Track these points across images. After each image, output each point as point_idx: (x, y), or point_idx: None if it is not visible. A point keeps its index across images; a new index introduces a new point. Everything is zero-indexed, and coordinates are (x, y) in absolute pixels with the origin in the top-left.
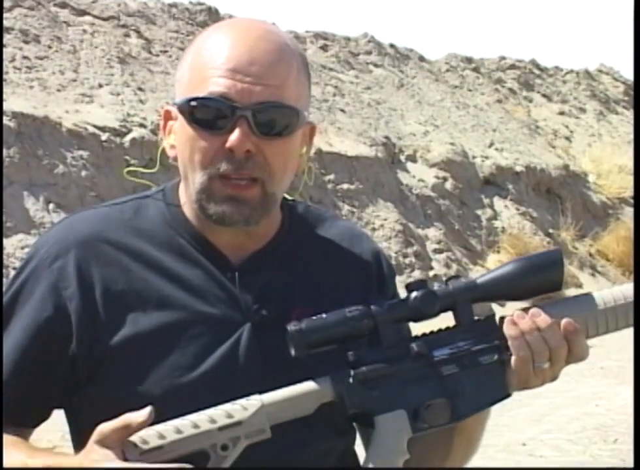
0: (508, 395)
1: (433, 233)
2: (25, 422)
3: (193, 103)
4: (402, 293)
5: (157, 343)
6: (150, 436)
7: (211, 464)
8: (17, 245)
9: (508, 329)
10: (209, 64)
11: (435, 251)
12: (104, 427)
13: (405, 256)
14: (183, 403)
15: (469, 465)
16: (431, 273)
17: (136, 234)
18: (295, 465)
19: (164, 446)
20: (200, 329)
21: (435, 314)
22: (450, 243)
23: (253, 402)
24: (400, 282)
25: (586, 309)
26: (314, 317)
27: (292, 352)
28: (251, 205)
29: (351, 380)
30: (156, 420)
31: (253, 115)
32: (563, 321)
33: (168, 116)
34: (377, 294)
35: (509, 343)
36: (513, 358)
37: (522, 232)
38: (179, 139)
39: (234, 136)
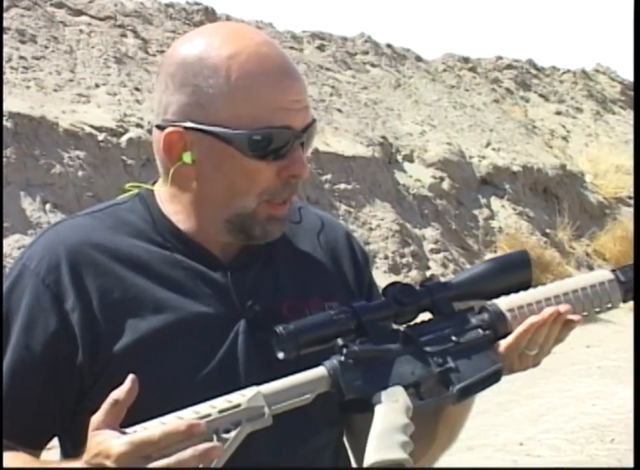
0: (500, 370)
1: (430, 233)
2: (37, 441)
3: (256, 137)
4: None
5: (157, 347)
6: (151, 424)
7: None
8: (14, 246)
9: (516, 318)
10: (264, 95)
11: (432, 251)
12: (96, 416)
13: (402, 256)
14: (189, 402)
15: (469, 464)
16: (428, 273)
17: (123, 241)
18: (297, 460)
19: None
20: (197, 330)
21: (416, 312)
22: (447, 243)
23: (250, 389)
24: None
25: (557, 292)
26: (301, 319)
27: (281, 354)
28: (286, 219)
29: (342, 359)
30: None
31: (306, 139)
32: (566, 310)
33: (178, 137)
34: (355, 278)
35: (514, 330)
36: (504, 343)
37: (519, 232)
38: (220, 167)
39: (297, 163)
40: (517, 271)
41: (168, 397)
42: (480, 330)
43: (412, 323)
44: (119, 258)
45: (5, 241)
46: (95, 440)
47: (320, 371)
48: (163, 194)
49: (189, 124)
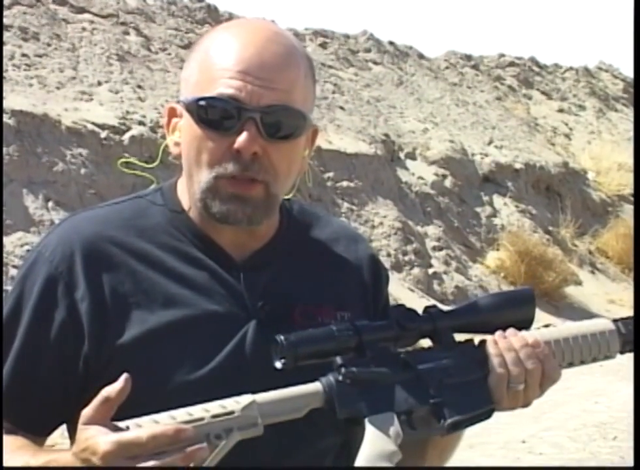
0: (493, 409)
1: (433, 230)
2: (41, 429)
3: (202, 103)
4: (400, 291)
5: (164, 342)
6: (144, 421)
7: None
8: (16, 243)
9: (489, 347)
10: (218, 65)
11: (435, 249)
12: (86, 410)
13: (405, 253)
14: (191, 399)
15: (471, 462)
16: (430, 271)
17: (138, 234)
18: (298, 463)
19: None
20: (206, 327)
21: (416, 337)
22: (450, 240)
23: (246, 397)
24: (399, 279)
25: (557, 336)
26: (301, 331)
27: (279, 363)
28: (254, 204)
29: (340, 378)
30: None
31: (261, 117)
32: (535, 342)
33: (172, 113)
34: (373, 296)
35: (489, 360)
36: (490, 376)
37: (521, 230)
38: (185, 137)
39: (242, 138)
40: (521, 308)
41: (172, 391)
42: (477, 367)
43: (411, 349)
44: (133, 252)
45: (7, 239)
46: (84, 435)
47: (316, 386)
48: (180, 185)
49: (175, 101)
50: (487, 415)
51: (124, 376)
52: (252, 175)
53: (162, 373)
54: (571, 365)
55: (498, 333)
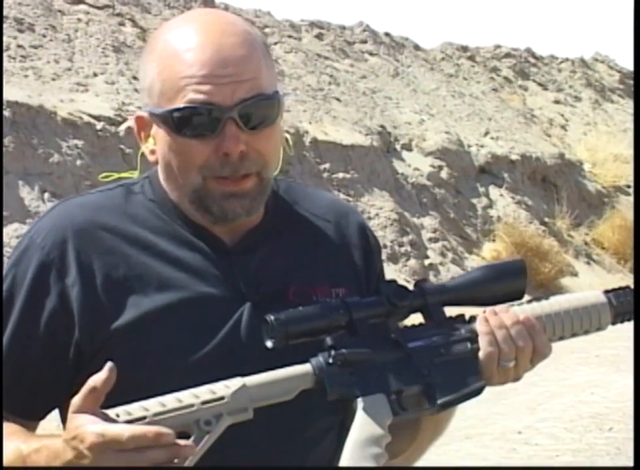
0: (483, 386)
1: (429, 222)
2: (33, 413)
3: (177, 114)
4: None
5: (160, 325)
6: (134, 408)
7: (194, 439)
8: (12, 235)
9: (479, 325)
10: (181, 73)
11: (431, 240)
12: (75, 399)
13: (401, 245)
14: (187, 382)
15: (467, 453)
16: (426, 262)
17: (130, 219)
18: (298, 443)
19: (147, 417)
20: (201, 310)
21: (407, 313)
22: (446, 232)
23: (235, 381)
24: (396, 271)
25: (549, 310)
26: (291, 309)
27: (270, 342)
28: (250, 196)
29: (330, 360)
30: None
31: (238, 114)
32: (525, 318)
33: (142, 123)
34: (366, 269)
35: (479, 338)
36: (480, 354)
37: (517, 221)
38: (163, 147)
39: (227, 141)
40: (512, 280)
41: (168, 373)
42: (468, 344)
43: (402, 326)
44: (126, 237)
45: (4, 230)
46: (73, 424)
47: (306, 368)
48: (162, 181)
49: (145, 110)
50: (477, 392)
51: (108, 365)
52: (243, 173)
53: (158, 356)
54: (562, 338)
55: (489, 310)
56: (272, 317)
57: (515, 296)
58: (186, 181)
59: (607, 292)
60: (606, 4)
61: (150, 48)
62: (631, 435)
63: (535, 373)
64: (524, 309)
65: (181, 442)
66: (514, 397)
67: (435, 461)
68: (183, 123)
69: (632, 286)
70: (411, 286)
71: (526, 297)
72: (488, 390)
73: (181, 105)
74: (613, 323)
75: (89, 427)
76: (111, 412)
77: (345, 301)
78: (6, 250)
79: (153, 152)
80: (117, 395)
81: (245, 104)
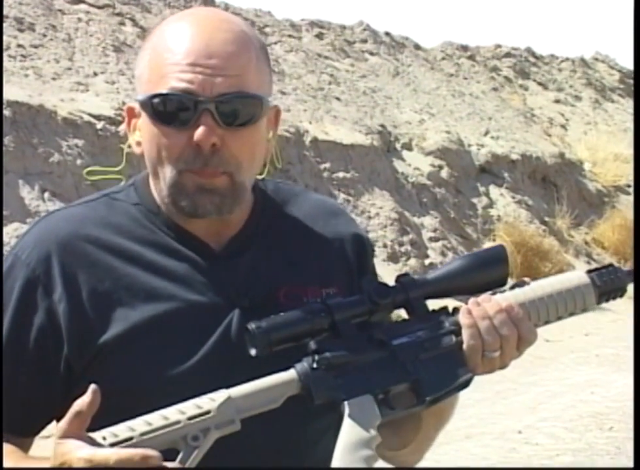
0: (471, 378)
1: (429, 221)
2: (26, 431)
3: (156, 100)
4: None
5: (149, 336)
6: (120, 430)
7: (183, 456)
8: (12, 234)
9: (462, 318)
10: (167, 59)
11: (431, 239)
12: (61, 424)
13: (401, 244)
14: (180, 393)
15: (468, 452)
16: (427, 262)
17: (114, 230)
18: (297, 443)
19: (134, 437)
20: (190, 319)
21: (390, 310)
22: (446, 231)
23: (220, 394)
24: (396, 270)
25: (532, 296)
26: (273, 316)
27: (254, 351)
28: (220, 193)
29: (315, 365)
30: (154, 411)
31: (216, 107)
32: (508, 306)
33: (131, 113)
34: (357, 269)
35: (462, 331)
36: (465, 347)
37: (517, 220)
38: (144, 136)
39: (200, 130)
40: (493, 268)
41: (158, 385)
42: (453, 337)
43: (386, 323)
44: (111, 249)
45: (4, 230)
46: (60, 450)
47: (291, 374)
48: (149, 180)
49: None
50: (465, 385)
51: (91, 387)
52: (212, 170)
53: (148, 369)
54: (547, 322)
55: (471, 300)
56: (254, 325)
57: (498, 283)
58: (163, 174)
59: (589, 271)
60: (606, 4)
61: (147, 39)
62: (631, 434)
63: (535, 372)
64: (506, 297)
65: (169, 464)
66: (514, 396)
67: (435, 460)
68: (161, 109)
69: (615, 264)
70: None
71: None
72: (488, 390)
73: (162, 91)
74: (598, 303)
75: (76, 453)
76: (97, 435)
77: (326, 303)
78: (6, 250)
79: (139, 144)
80: (110, 409)
81: (223, 98)
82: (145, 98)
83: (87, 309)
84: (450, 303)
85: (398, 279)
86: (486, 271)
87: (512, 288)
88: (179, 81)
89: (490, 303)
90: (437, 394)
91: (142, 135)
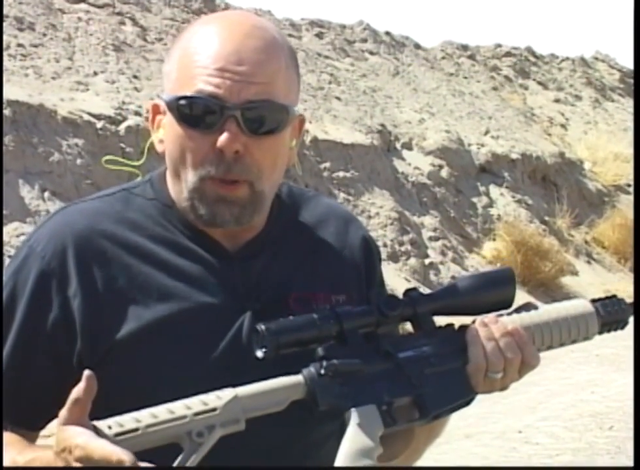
0: (474, 397)
1: (429, 221)
2: (33, 424)
3: (182, 102)
4: (396, 282)
5: (161, 336)
6: (126, 420)
7: (187, 451)
8: (12, 234)
9: (469, 337)
10: (197, 62)
11: (431, 239)
12: (62, 411)
13: (401, 244)
14: (189, 392)
15: (468, 452)
16: (427, 261)
17: (131, 227)
18: (300, 449)
19: (139, 428)
20: (202, 320)
21: (397, 322)
22: (446, 230)
23: (227, 392)
24: (396, 270)
25: (537, 321)
26: (282, 319)
27: (260, 352)
28: (240, 204)
29: (322, 371)
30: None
31: (241, 114)
32: (514, 330)
33: (156, 110)
34: (366, 275)
35: (468, 350)
36: (469, 366)
37: (517, 220)
38: (168, 135)
39: (224, 136)
40: (501, 288)
41: (169, 384)
42: (458, 354)
43: (393, 335)
44: (126, 245)
45: (4, 229)
46: (61, 436)
47: (297, 379)
48: (167, 177)
49: (159, 97)
50: (467, 403)
51: (86, 373)
52: (234, 177)
53: (159, 367)
54: (550, 348)
55: (478, 320)
56: (263, 327)
57: (504, 305)
58: (185, 176)
59: (594, 301)
60: (606, 3)
61: (180, 37)
62: (631, 433)
63: (535, 372)
64: (513, 320)
65: (143, 464)
66: (514, 396)
67: (436, 460)
68: (187, 111)
69: (618, 296)
70: (404, 291)
71: (520, 301)
72: None
73: (188, 93)
74: (600, 332)
75: (75, 439)
76: (103, 424)
77: (335, 310)
78: (6, 249)
79: (161, 141)
80: (119, 405)
81: (250, 105)
82: (171, 99)
83: (102, 306)
84: (455, 320)
85: (407, 292)
86: (493, 292)
87: (518, 310)
88: (207, 85)
89: (497, 325)
90: (440, 410)
91: (166, 134)
